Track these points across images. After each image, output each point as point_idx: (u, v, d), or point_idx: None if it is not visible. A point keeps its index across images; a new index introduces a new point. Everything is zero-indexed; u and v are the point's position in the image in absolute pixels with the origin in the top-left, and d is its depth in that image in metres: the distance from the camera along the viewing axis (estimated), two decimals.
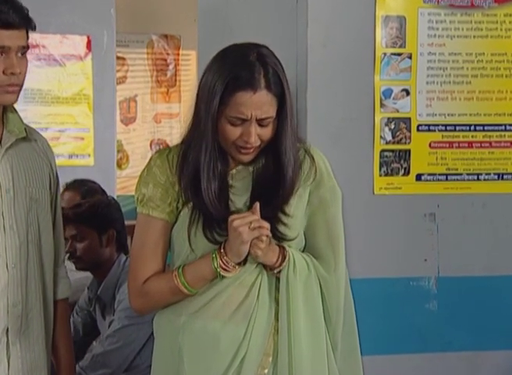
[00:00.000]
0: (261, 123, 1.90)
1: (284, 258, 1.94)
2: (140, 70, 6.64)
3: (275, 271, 1.94)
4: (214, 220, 1.91)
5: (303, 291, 1.94)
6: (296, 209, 1.98)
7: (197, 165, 1.92)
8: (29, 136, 2.24)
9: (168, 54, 6.60)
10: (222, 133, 1.91)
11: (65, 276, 2.37)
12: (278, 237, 1.94)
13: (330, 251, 2.00)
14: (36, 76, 4.60)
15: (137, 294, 1.98)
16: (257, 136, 1.90)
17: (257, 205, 1.87)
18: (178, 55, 6.57)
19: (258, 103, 1.86)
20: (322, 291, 1.99)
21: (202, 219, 1.91)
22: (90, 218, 3.19)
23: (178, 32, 6.53)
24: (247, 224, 1.84)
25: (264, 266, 1.96)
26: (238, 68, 1.87)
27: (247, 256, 1.90)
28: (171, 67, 6.60)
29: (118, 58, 5.90)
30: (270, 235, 1.89)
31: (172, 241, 2.01)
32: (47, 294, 2.25)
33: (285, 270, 1.93)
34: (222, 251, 1.89)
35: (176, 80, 6.60)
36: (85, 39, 4.70)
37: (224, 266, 1.89)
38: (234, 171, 1.98)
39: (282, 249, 1.95)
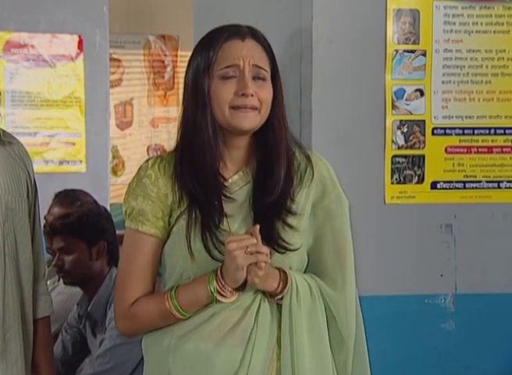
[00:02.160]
0: (256, 75, 1.84)
1: (285, 284, 1.83)
2: (137, 72, 6.58)
3: (277, 298, 1.84)
4: (211, 219, 1.83)
5: (307, 319, 1.85)
6: (303, 210, 1.90)
7: (194, 148, 1.85)
8: (3, 138, 2.12)
9: (165, 55, 6.60)
10: (217, 96, 1.84)
11: (46, 292, 2.27)
12: (281, 246, 1.84)
13: (337, 268, 1.90)
14: (24, 77, 4.51)
15: (124, 316, 1.89)
16: (255, 94, 1.83)
17: (257, 227, 1.77)
18: (176, 56, 6.60)
19: (249, 50, 1.85)
20: (332, 314, 1.89)
21: (200, 223, 1.83)
22: (78, 229, 3.06)
23: (176, 32, 6.52)
24: (244, 248, 1.74)
25: (264, 292, 1.85)
26: (223, 29, 1.88)
27: (246, 281, 1.79)
28: (169, 69, 6.57)
29: (113, 59, 6.00)
30: (269, 261, 1.78)
31: (164, 259, 1.91)
32: (25, 313, 2.14)
33: (287, 298, 1.83)
34: (218, 273, 1.79)
35: (173, 83, 6.60)
36: (76, 38, 4.57)
37: (220, 290, 1.79)
38: (230, 181, 1.89)
39: (283, 274, 1.84)
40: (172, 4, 6.24)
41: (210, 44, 1.86)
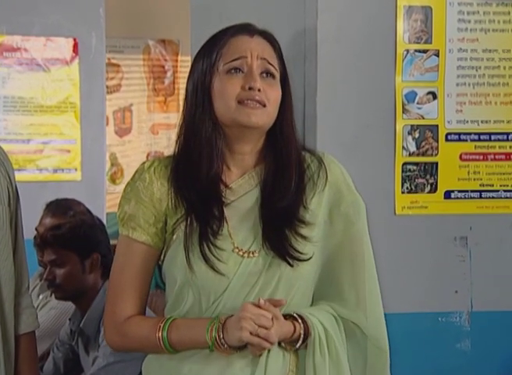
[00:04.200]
0: (265, 70, 1.80)
1: (306, 331, 1.77)
2: (136, 78, 6.62)
3: (293, 347, 1.79)
4: (209, 227, 1.77)
5: (330, 367, 1.80)
6: (316, 218, 1.84)
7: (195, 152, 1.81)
8: None
9: (165, 60, 6.68)
10: (222, 92, 1.80)
11: (30, 306, 2.23)
12: (292, 257, 1.78)
13: (356, 280, 1.84)
14: (17, 82, 4.54)
15: (115, 332, 1.85)
16: (263, 91, 1.78)
17: (282, 301, 1.75)
18: (176, 61, 6.69)
19: (258, 44, 1.81)
20: (358, 332, 1.85)
21: (198, 232, 1.77)
22: (70, 241, 3.02)
23: (176, 36, 6.60)
24: (255, 326, 1.69)
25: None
26: (229, 27, 1.84)
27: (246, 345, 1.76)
28: (169, 74, 6.68)
29: (112, 64, 6.09)
30: (270, 348, 1.74)
31: (164, 273, 1.86)
32: (7, 328, 2.09)
33: (310, 354, 1.77)
34: (220, 325, 1.74)
35: (174, 89, 6.69)
36: (71, 42, 4.60)
37: (216, 343, 1.73)
38: (234, 185, 1.82)
39: (303, 323, 1.77)
40: (172, 7, 6.31)
41: (214, 42, 1.83)
